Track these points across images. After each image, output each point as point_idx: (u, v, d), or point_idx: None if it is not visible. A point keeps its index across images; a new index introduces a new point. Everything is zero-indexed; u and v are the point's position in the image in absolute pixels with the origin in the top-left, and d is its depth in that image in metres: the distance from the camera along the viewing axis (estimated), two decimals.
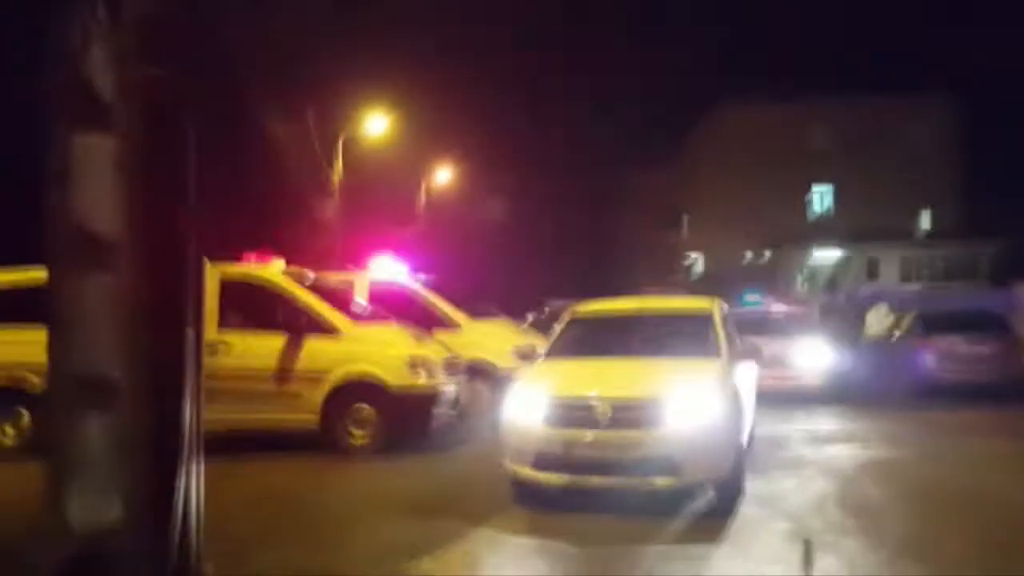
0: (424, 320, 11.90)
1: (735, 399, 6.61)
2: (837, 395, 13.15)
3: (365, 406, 8.81)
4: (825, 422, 11.14)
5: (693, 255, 49.66)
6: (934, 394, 13.15)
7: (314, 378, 8.83)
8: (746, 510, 6.28)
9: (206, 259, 8.89)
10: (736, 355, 7.41)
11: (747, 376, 7.94)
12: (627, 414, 6.13)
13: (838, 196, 43.82)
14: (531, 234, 48.80)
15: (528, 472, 6.36)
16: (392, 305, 12.14)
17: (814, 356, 13.52)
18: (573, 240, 51.20)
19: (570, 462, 6.17)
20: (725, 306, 8.53)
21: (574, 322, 7.95)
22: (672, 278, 45.65)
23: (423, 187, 38.08)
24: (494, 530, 5.95)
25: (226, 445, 8.77)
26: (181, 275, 4.63)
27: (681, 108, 46.08)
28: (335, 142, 25.03)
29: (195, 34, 4.76)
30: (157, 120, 4.56)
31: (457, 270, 36.18)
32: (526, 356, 9.68)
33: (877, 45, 57.16)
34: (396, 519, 6.25)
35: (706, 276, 45.19)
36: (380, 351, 8.95)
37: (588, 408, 6.19)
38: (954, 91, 41.14)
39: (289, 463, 8.41)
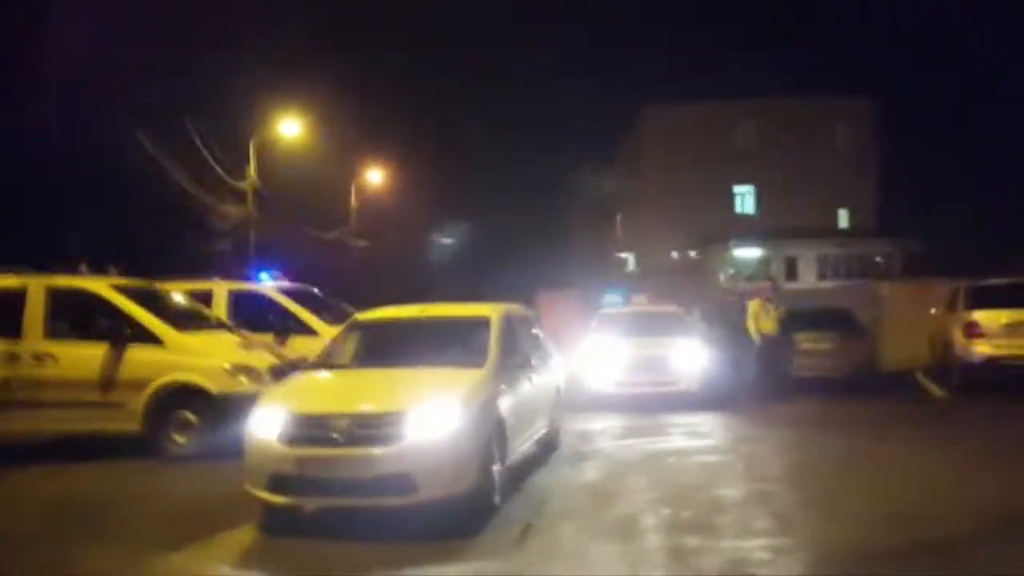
0: (284, 327, 12.34)
1: (485, 412, 6.44)
2: (712, 399, 12.41)
3: (187, 413, 9.12)
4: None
5: (624, 255, 50.34)
6: (801, 391, 13.21)
7: (137, 386, 9.11)
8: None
9: (32, 271, 9.21)
10: (515, 364, 7.40)
11: (533, 385, 7.85)
12: (364, 431, 5.94)
13: (760, 196, 44.77)
14: (466, 235, 49.00)
15: (264, 494, 6.06)
16: (254, 313, 12.65)
17: (691, 359, 12.73)
18: (508, 241, 51.54)
19: (304, 483, 5.94)
20: (519, 313, 8.77)
21: (352, 329, 7.97)
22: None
23: (353, 188, 38.25)
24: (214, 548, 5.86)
25: (55, 451, 9.18)
26: None
27: (615, 108, 46.81)
28: (247, 147, 25.11)
29: None
30: None
31: (387, 274, 36.50)
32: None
33: (798, 46, 58.43)
34: (162, 522, 6.54)
35: (638, 275, 45.83)
36: (202, 360, 9.25)
37: (324, 425, 5.98)
38: (873, 92, 42.35)
39: (106, 469, 8.69)
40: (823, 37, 58.08)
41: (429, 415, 6.02)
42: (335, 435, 5.92)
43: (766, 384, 13.58)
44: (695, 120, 43.22)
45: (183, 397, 9.13)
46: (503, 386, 6.95)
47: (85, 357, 9.16)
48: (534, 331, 9.00)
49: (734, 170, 43.98)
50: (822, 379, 13.93)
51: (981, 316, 13.33)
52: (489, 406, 6.57)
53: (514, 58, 61.79)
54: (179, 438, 9.10)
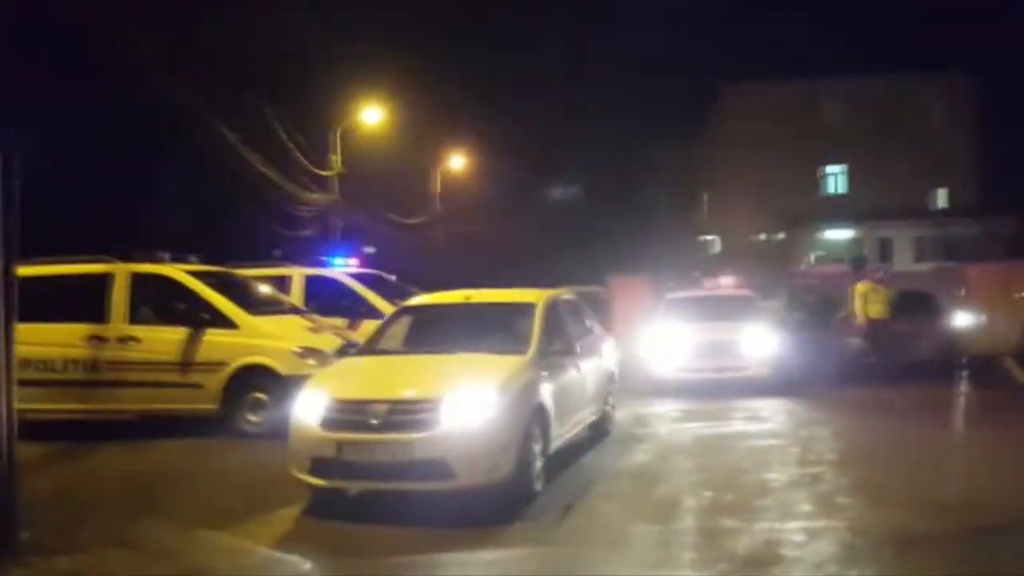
0: (354, 311, 12.82)
1: (524, 399, 6.45)
2: (782, 384, 12.05)
3: (259, 393, 9.58)
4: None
5: (709, 236, 49.63)
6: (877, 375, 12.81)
7: (213, 368, 9.63)
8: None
9: (118, 258, 9.83)
10: (560, 351, 7.41)
11: (580, 371, 7.82)
12: (401, 416, 6.04)
13: (851, 175, 43.44)
14: (548, 217, 49.15)
15: (306, 477, 6.23)
16: (327, 297, 13.21)
17: (760, 343, 12.41)
18: (591, 223, 51.38)
19: (343, 466, 6.06)
20: (568, 299, 8.83)
21: (400, 315, 8.18)
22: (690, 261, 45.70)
23: (437, 175, 38.84)
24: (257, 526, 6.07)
25: (138, 430, 9.79)
26: None
27: (701, 86, 46.03)
28: (332, 134, 25.82)
29: None
30: None
31: (470, 257, 36.99)
32: None
33: (892, 21, 56.12)
34: (219, 498, 6.91)
35: (722, 257, 45.13)
36: (272, 343, 9.68)
37: (362, 410, 6.11)
38: (970, 67, 40.53)
39: (181, 446, 9.18)
40: (917, 11, 55.66)
41: (465, 402, 6.10)
42: (373, 420, 6.04)
43: (840, 368, 13.36)
44: (782, 99, 42.20)
45: (256, 378, 9.57)
46: (545, 373, 6.94)
47: (166, 340, 9.71)
48: (584, 317, 9.04)
49: (824, 149, 42.79)
50: (902, 363, 13.55)
51: None
52: (529, 393, 6.60)
53: (596, 37, 61.35)
54: (252, 417, 9.55)
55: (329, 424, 6.18)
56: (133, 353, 9.71)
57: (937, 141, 40.86)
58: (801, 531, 5.65)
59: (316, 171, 23.40)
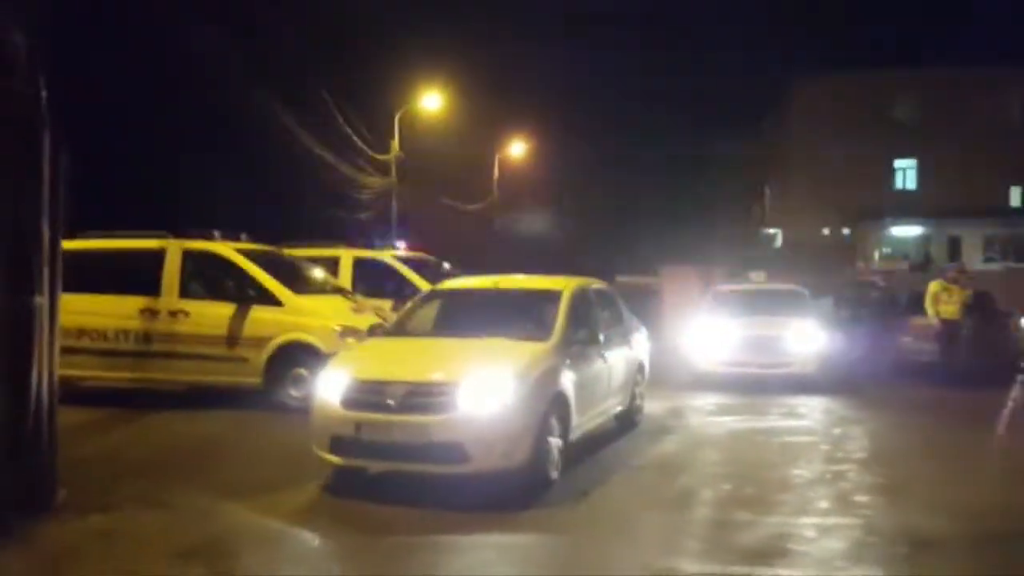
0: (401, 293, 13.07)
1: (543, 386, 6.46)
2: (828, 382, 11.98)
3: (302, 369, 9.86)
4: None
5: (772, 230, 48.81)
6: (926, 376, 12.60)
7: (258, 344, 9.94)
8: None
9: (172, 235, 10.23)
10: (585, 339, 7.37)
11: (606, 361, 7.83)
12: (419, 399, 6.11)
13: (921, 171, 42.28)
14: (609, 204, 48.94)
15: (326, 455, 6.35)
16: (376, 279, 13.55)
17: (806, 340, 12.27)
18: (652, 212, 51.01)
19: (361, 446, 6.16)
20: (598, 288, 8.81)
21: (429, 298, 8.28)
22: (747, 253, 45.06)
23: (496, 161, 39.02)
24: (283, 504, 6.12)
25: (186, 400, 10.16)
26: (28, 255, 5.81)
27: (767, 78, 45.25)
28: (392, 118, 26.20)
29: (43, 48, 5.83)
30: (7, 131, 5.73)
31: (524, 244, 37.12)
32: None
33: (964, 13, 54.18)
34: (250, 470, 7.17)
35: (783, 252, 44.42)
36: (315, 321, 9.95)
37: (381, 391, 6.18)
38: None
39: (225, 417, 9.52)
40: (995, 5, 53.62)
41: (483, 386, 6.14)
42: (390, 401, 6.12)
43: (890, 368, 13.19)
44: (853, 91, 41.19)
45: (299, 355, 9.85)
46: (568, 360, 6.95)
47: (214, 315, 10.04)
48: (615, 307, 9.04)
49: (894, 144, 41.69)
50: (965, 367, 13.13)
51: None
52: (548, 380, 6.61)
53: (661, 27, 60.60)
54: (294, 392, 9.81)
55: (349, 403, 6.30)
56: (182, 326, 10.08)
57: (1013, 137, 39.49)
58: (813, 527, 5.64)
59: (374, 155, 23.82)
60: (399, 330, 7.77)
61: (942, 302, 12.98)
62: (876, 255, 40.37)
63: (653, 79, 60.34)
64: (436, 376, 6.34)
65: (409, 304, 8.41)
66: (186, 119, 25.20)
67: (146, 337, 10.15)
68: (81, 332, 10.14)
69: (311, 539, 5.63)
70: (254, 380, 9.89)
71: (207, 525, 5.75)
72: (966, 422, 9.64)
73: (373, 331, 8.17)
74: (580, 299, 7.90)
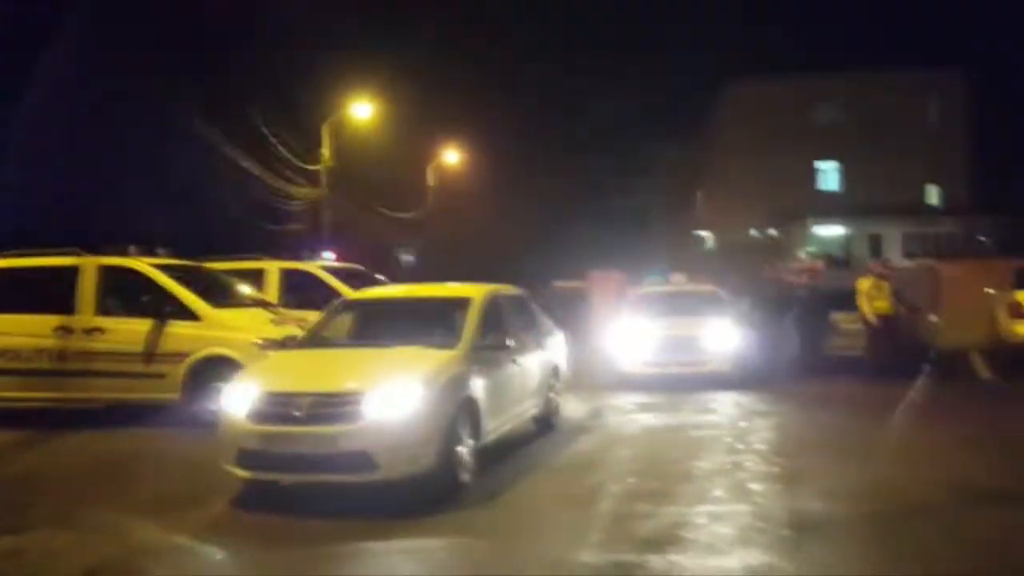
0: (328, 303, 13.08)
1: (451, 392, 6.56)
2: (743, 379, 12.31)
3: (221, 384, 9.83)
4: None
5: (703, 232, 49.81)
6: (839, 371, 13.08)
7: (176, 359, 9.91)
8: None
9: (87, 252, 10.10)
10: (496, 345, 7.52)
11: (520, 365, 8.01)
12: (325, 409, 6.15)
13: (844, 173, 43.64)
14: (541, 212, 49.36)
15: (234, 469, 6.35)
16: (302, 290, 13.51)
17: (723, 339, 12.69)
18: (589, 216, 51.63)
19: (268, 458, 6.18)
20: (511, 294, 8.98)
21: (341, 308, 8.36)
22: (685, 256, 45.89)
23: (430, 169, 39.10)
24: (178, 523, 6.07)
25: (106, 418, 10.05)
26: None
27: (696, 83, 46.19)
28: (320, 128, 26.09)
29: None
30: None
31: (458, 252, 37.26)
32: None
33: (885, 20, 56.20)
34: (161, 487, 7.17)
35: (715, 254, 45.33)
36: (234, 335, 9.95)
37: (288, 403, 6.20)
38: (963, 66, 40.62)
39: (141, 435, 9.39)
40: (912, 7, 55.68)
41: (388, 395, 6.21)
42: (296, 412, 6.15)
43: (803, 364, 13.61)
44: (777, 95, 42.35)
45: (218, 369, 9.79)
46: (476, 366, 7.07)
47: (131, 331, 9.99)
48: (529, 312, 9.26)
49: (817, 146, 42.97)
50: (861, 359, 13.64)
51: None
52: (456, 386, 6.72)
53: (591, 32, 61.44)
54: (215, 407, 9.76)
55: (255, 416, 6.32)
56: (99, 344, 10.00)
57: (930, 139, 41.05)
58: (706, 515, 5.92)
59: (302, 165, 23.71)
60: (311, 341, 7.81)
61: (875, 298, 13.34)
62: (802, 255, 41.53)
63: (588, 82, 61.11)
64: (342, 386, 6.40)
65: (322, 315, 8.48)
66: (108, 135, 24.79)
67: (62, 356, 10.04)
68: None
69: (214, 553, 5.68)
70: (173, 396, 9.86)
71: (116, 542, 5.78)
72: (868, 413, 10.06)
73: (285, 343, 8.23)
74: (490, 306, 8.05)
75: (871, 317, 13.28)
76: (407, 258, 13.86)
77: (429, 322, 7.78)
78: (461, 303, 7.83)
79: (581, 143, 57.91)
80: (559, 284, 29.43)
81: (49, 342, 10.04)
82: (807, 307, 14.34)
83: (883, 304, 13.37)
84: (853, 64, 40.69)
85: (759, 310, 14.73)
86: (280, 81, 26.91)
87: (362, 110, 27.23)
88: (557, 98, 64.03)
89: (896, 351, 13.15)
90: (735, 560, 5.06)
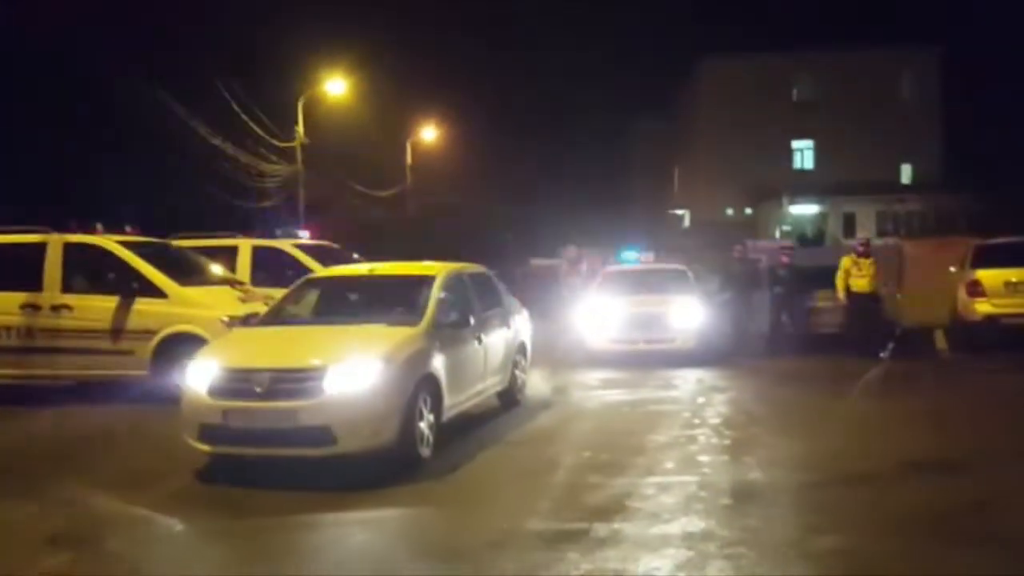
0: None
1: (411, 368, 6.67)
2: (708, 356, 12.49)
3: (188, 360, 9.94)
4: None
5: (680, 211, 50.10)
6: (810, 348, 13.28)
7: (143, 336, 9.99)
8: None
9: (52, 228, 10.14)
10: (458, 322, 7.64)
11: (483, 342, 8.13)
12: (285, 385, 6.28)
13: (819, 150, 44.02)
14: (520, 189, 49.42)
15: (196, 444, 6.52)
16: (274, 268, 13.57)
17: (688, 316, 12.87)
18: (568, 194, 51.75)
19: (229, 433, 6.33)
20: (474, 272, 9.09)
21: (305, 286, 8.44)
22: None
23: (408, 146, 39.02)
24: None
25: (76, 394, 10.13)
26: None
27: (672, 59, 46.29)
28: (295, 104, 26.00)
29: None
30: None
31: (440, 229, 37.30)
32: None
33: None
34: (125, 462, 7.31)
35: (692, 232, 45.63)
36: (200, 312, 10.02)
37: (248, 379, 6.35)
38: (936, 43, 40.95)
39: (109, 411, 9.47)
40: None
41: (348, 371, 6.34)
42: (257, 388, 6.29)
43: (773, 341, 13.82)
44: (752, 73, 42.60)
45: (185, 346, 9.85)
46: (438, 343, 7.20)
47: (98, 308, 10.04)
48: (494, 290, 9.39)
49: (792, 124, 43.33)
50: (835, 336, 13.83)
51: (983, 275, 13.31)
52: (416, 363, 6.84)
53: (567, 8, 61.25)
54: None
55: (216, 392, 6.46)
56: (66, 321, 10.05)
57: (903, 117, 41.46)
58: (654, 486, 6.13)
59: (275, 142, 23.67)
60: (273, 318, 7.91)
61: (852, 276, 13.45)
62: (776, 233, 41.93)
63: (565, 57, 60.97)
64: (302, 362, 6.54)
65: (286, 292, 8.57)
66: (76, 113, 24.58)
67: (29, 333, 10.09)
68: None
69: (173, 524, 5.81)
70: (140, 372, 9.94)
71: (77, 514, 5.92)
72: (825, 389, 10.33)
73: (247, 320, 8.32)
74: (453, 284, 8.18)
75: (840, 294, 13.45)
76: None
77: (391, 300, 7.90)
78: (423, 281, 7.93)
79: (559, 120, 57.87)
80: (536, 262, 29.57)
81: (16, 319, 10.08)
82: (787, 285, 14.39)
83: (861, 282, 13.43)
84: (827, 41, 40.94)
85: (729, 288, 14.87)
86: (254, 57, 26.75)
87: (336, 86, 27.16)
88: (534, 74, 64.00)
89: (870, 328, 13.24)
90: (676, 527, 5.26)
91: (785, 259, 14.82)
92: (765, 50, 41.62)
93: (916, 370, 11.89)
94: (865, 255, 13.65)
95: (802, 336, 13.91)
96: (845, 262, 13.66)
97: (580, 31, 62.94)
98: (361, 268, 8.69)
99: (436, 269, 8.27)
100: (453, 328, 7.67)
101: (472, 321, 7.98)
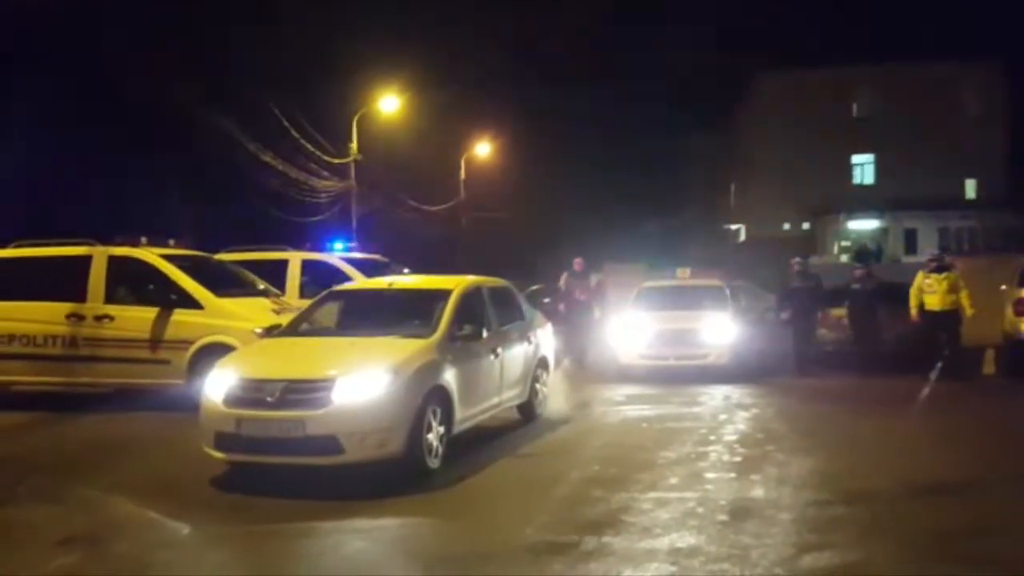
0: None
1: (421, 381, 6.79)
2: (742, 372, 12.40)
3: None
4: None
5: (735, 226, 49.52)
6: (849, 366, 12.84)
7: (181, 346, 10.33)
8: None
9: (98, 241, 10.58)
10: (473, 335, 7.72)
11: (499, 356, 8.22)
12: (296, 395, 6.48)
13: (880, 165, 43.16)
14: (572, 204, 49.40)
15: (211, 451, 6.73)
16: (322, 280, 13.89)
17: (721, 332, 12.78)
18: (620, 208, 51.53)
19: (241, 441, 6.54)
20: (494, 286, 9.14)
21: (326, 299, 8.63)
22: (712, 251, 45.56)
23: (462, 162, 39.47)
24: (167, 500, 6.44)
25: (113, 402, 10.51)
26: None
27: (730, 75, 45.92)
28: (350, 122, 26.59)
29: None
30: None
31: (491, 245, 37.59)
32: None
33: (922, 11, 55.16)
34: (150, 467, 7.57)
35: (746, 247, 45.03)
36: (235, 323, 10.31)
37: (261, 388, 6.56)
38: (1001, 58, 39.88)
39: (149, 418, 9.82)
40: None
41: (356, 382, 6.52)
42: (269, 398, 6.51)
43: (806, 359, 13.43)
44: (811, 87, 42.04)
45: (220, 356, 10.16)
46: (450, 356, 7.31)
47: (138, 319, 10.42)
48: (515, 304, 9.44)
49: (852, 139, 42.60)
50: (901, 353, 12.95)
51: None
52: (426, 375, 6.94)
53: (628, 24, 61.24)
54: None
55: (231, 401, 6.67)
56: (107, 331, 10.45)
57: (968, 131, 40.42)
58: (653, 501, 6.12)
59: (328, 159, 24.22)
60: (292, 330, 8.12)
61: (925, 292, 12.72)
62: (835, 249, 41.16)
63: (621, 77, 60.97)
64: (312, 373, 6.73)
65: (308, 305, 8.79)
66: (135, 132, 25.53)
67: (72, 342, 10.51)
68: (11, 338, 10.56)
69: (182, 528, 5.98)
70: (177, 381, 10.26)
71: (92, 516, 6.19)
72: (856, 407, 10.16)
73: (269, 331, 8.56)
74: (469, 298, 8.27)
75: (913, 312, 12.74)
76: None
77: (409, 313, 8.05)
78: (440, 295, 8.06)
79: (618, 136, 57.77)
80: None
81: (61, 328, 10.51)
82: (858, 302, 13.78)
83: (932, 299, 12.61)
84: (889, 56, 40.20)
85: (789, 304, 14.02)
86: (310, 76, 27.44)
87: (390, 103, 27.67)
88: (594, 90, 64.04)
89: (935, 348, 12.57)
90: (664, 542, 5.26)
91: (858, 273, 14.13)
92: (822, 65, 41.05)
93: (954, 391, 11.54)
94: (937, 271, 12.83)
95: (869, 354, 13.08)
96: (919, 278, 12.92)
97: (638, 50, 62.85)
98: (382, 282, 8.91)
99: (454, 283, 8.38)
100: (467, 341, 7.76)
101: (486, 334, 8.07)
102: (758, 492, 6.33)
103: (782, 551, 5.08)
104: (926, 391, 11.44)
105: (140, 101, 22.57)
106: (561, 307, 15.16)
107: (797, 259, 14.60)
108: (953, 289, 12.65)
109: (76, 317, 10.54)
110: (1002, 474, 6.87)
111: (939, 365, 12.80)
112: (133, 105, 24.66)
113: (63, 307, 10.59)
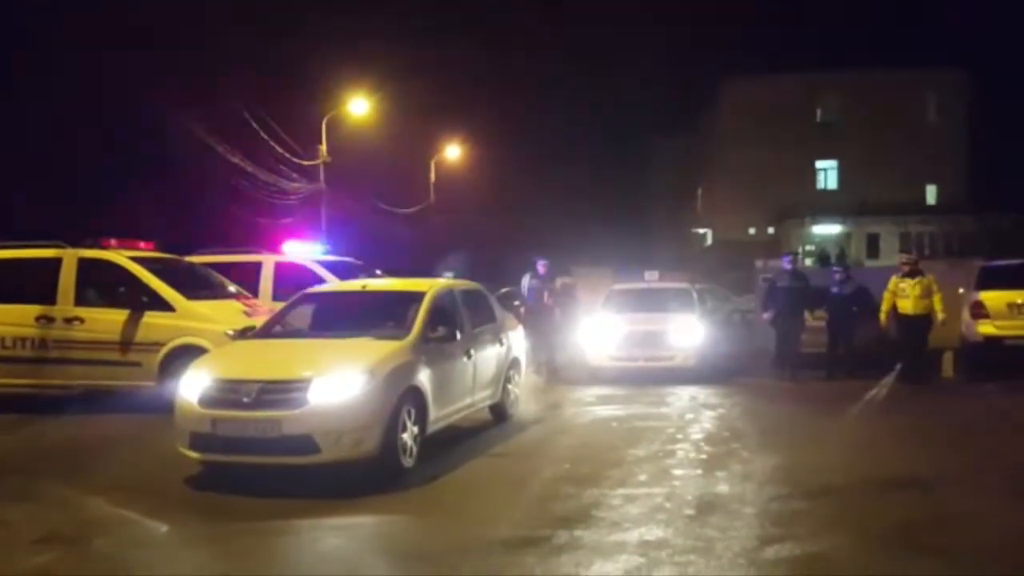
0: None
1: (395, 381, 6.88)
2: (709, 374, 12.66)
3: None
4: None
5: (702, 230, 50.11)
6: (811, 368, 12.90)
7: (151, 348, 10.34)
8: None
9: (67, 243, 10.55)
10: (446, 337, 7.84)
11: (472, 357, 8.33)
12: (271, 395, 6.56)
13: (843, 171, 43.92)
14: (541, 208, 49.64)
15: (186, 451, 6.80)
16: (295, 283, 13.89)
17: (688, 334, 13.01)
18: (589, 213, 51.89)
19: (216, 441, 6.60)
20: (466, 289, 9.29)
21: (300, 301, 8.70)
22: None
23: (432, 165, 39.52)
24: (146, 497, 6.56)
25: (84, 404, 10.48)
26: None
27: (697, 80, 46.49)
28: (319, 124, 26.56)
29: None
30: None
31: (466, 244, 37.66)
32: None
33: (886, 19, 56.32)
34: (120, 468, 7.59)
35: (713, 250, 45.57)
36: (206, 325, 10.34)
37: (236, 389, 6.63)
38: (963, 65, 40.81)
39: (120, 419, 9.85)
40: (912, 5, 55.75)
41: (332, 383, 6.61)
42: (244, 398, 6.59)
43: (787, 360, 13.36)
44: (777, 93, 42.71)
45: (190, 358, 10.17)
46: (424, 357, 7.41)
47: (108, 321, 10.42)
48: (487, 306, 9.57)
49: (817, 144, 43.34)
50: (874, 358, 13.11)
51: (987, 296, 13.30)
52: (401, 375, 7.04)
53: (592, 30, 61.72)
54: None
55: (206, 401, 6.74)
56: (78, 333, 10.42)
57: (929, 138, 41.30)
58: (622, 497, 6.30)
59: (298, 161, 24.19)
60: (267, 332, 8.19)
61: (898, 297, 12.68)
62: (799, 252, 41.79)
63: (589, 81, 61.44)
64: (288, 374, 6.81)
65: (281, 307, 8.86)
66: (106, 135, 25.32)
67: (42, 344, 10.47)
68: None
69: (159, 527, 6.05)
70: (148, 383, 10.27)
71: (69, 516, 6.22)
72: (819, 407, 10.44)
73: (243, 333, 8.61)
74: (442, 300, 8.39)
75: (882, 317, 12.76)
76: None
77: (382, 315, 8.14)
78: (413, 297, 8.17)
79: (587, 139, 58.24)
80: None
81: (31, 331, 10.47)
82: (837, 306, 13.79)
83: (906, 304, 12.53)
84: (853, 62, 41.00)
85: (773, 304, 13.91)
86: (279, 77, 27.38)
87: (359, 106, 27.67)
88: (558, 96, 64.50)
89: (908, 354, 12.67)
90: (634, 535, 5.44)
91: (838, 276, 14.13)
92: (787, 70, 41.73)
93: (914, 391, 11.86)
94: (910, 275, 12.67)
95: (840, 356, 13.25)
96: (892, 282, 12.83)
97: (604, 54, 63.37)
98: (355, 284, 8.98)
99: (427, 285, 8.51)
100: (440, 343, 7.87)
101: (459, 336, 8.19)
102: (723, 488, 6.53)
103: (746, 543, 5.27)
104: (888, 392, 11.75)
105: (110, 102, 22.42)
106: (521, 310, 14.98)
107: (787, 257, 14.46)
108: (926, 294, 12.63)
109: (46, 319, 10.50)
110: (961, 470, 7.14)
111: (899, 367, 13.12)
112: (104, 106, 24.49)
113: (33, 309, 10.55)
